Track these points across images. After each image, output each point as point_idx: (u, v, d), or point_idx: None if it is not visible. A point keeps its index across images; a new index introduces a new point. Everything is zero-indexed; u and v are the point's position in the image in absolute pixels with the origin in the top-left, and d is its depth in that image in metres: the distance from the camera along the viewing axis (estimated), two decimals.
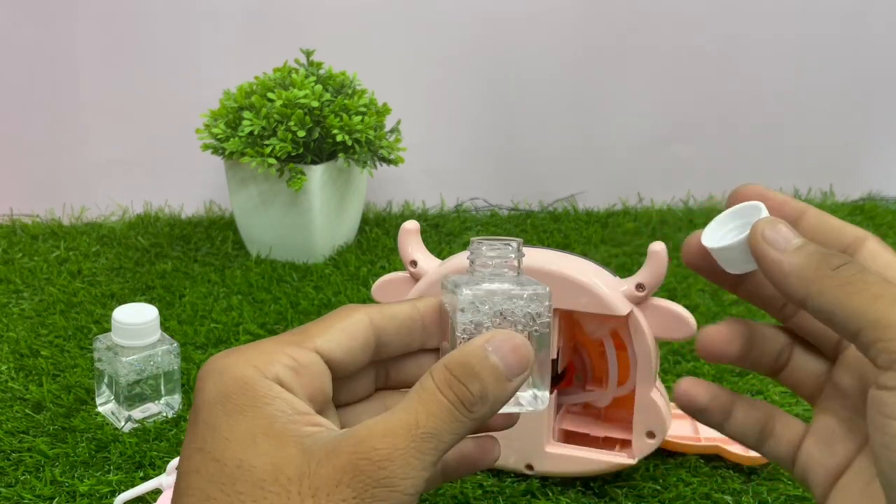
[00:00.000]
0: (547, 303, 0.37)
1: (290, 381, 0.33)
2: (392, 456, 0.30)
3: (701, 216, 1.08)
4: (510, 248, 0.38)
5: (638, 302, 0.51)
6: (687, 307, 0.84)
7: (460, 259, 0.53)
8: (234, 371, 0.32)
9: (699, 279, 0.87)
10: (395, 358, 0.38)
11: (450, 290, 0.37)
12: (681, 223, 1.06)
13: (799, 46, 1.14)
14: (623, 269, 0.92)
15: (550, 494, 0.55)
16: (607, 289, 0.51)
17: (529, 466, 0.55)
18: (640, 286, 0.51)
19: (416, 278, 0.55)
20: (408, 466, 0.30)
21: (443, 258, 1.04)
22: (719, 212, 0.35)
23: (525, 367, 0.33)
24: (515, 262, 0.38)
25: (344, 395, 0.37)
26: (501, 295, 0.36)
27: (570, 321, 0.55)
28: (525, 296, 0.36)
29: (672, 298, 0.55)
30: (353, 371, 0.36)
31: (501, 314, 0.36)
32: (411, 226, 0.55)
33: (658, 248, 0.51)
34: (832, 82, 1.16)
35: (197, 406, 0.33)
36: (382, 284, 0.56)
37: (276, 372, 0.33)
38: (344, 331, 0.35)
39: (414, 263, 0.54)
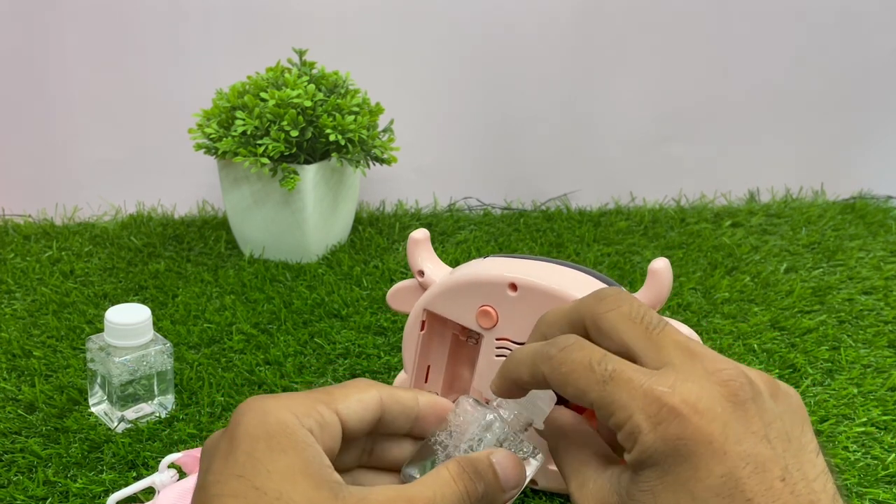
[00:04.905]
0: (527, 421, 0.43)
1: (318, 435, 0.38)
2: None
3: (693, 215, 1.08)
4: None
5: None
6: (678, 305, 0.84)
7: (469, 268, 0.53)
8: (277, 414, 0.37)
9: (691, 277, 0.87)
10: (381, 436, 0.43)
11: (471, 415, 0.42)
12: (672, 222, 1.07)
13: (789, 46, 1.14)
14: (615, 268, 0.92)
15: (543, 496, 0.55)
16: None
17: (533, 482, 0.55)
18: None
19: (423, 287, 0.54)
20: None
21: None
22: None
23: (520, 483, 0.39)
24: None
25: (336, 462, 0.42)
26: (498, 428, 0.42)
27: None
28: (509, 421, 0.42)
29: None
30: (357, 437, 0.41)
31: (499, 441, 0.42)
32: (420, 235, 0.55)
33: (659, 265, 0.48)
34: (823, 81, 1.16)
35: (237, 437, 0.36)
36: (395, 292, 0.57)
37: (310, 424, 0.37)
38: (360, 401, 0.40)
39: (421, 273, 0.54)
